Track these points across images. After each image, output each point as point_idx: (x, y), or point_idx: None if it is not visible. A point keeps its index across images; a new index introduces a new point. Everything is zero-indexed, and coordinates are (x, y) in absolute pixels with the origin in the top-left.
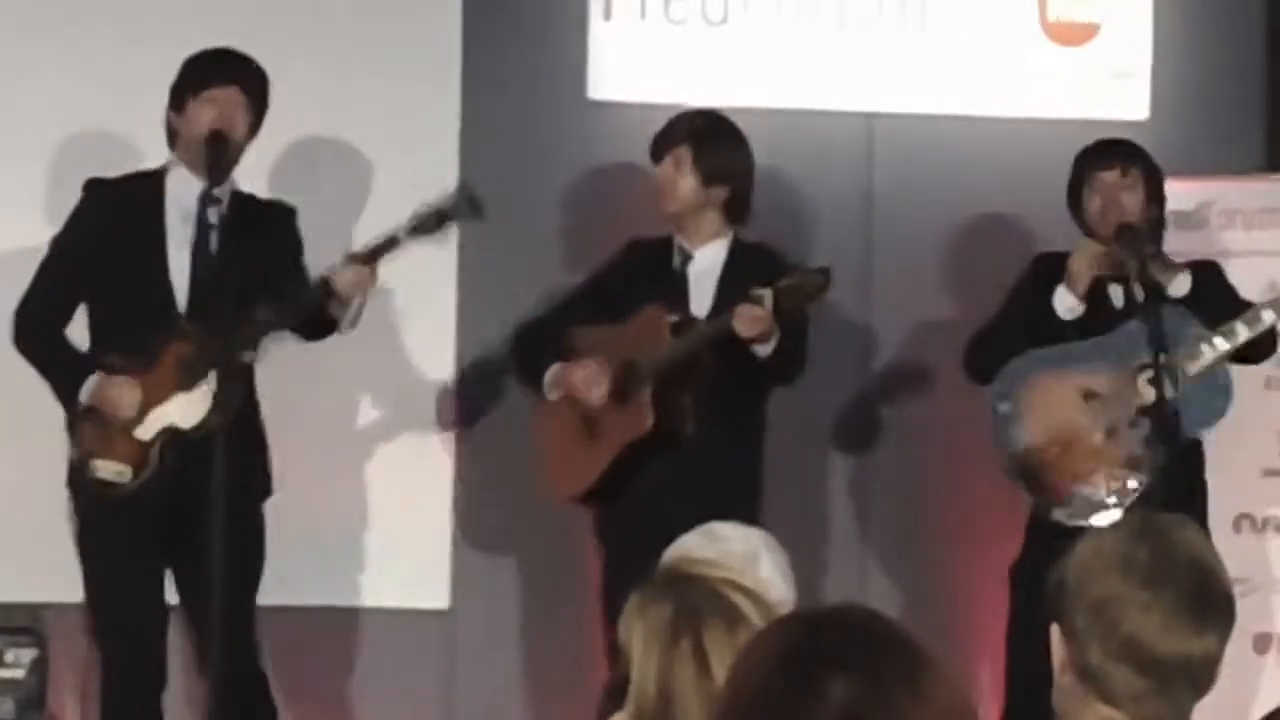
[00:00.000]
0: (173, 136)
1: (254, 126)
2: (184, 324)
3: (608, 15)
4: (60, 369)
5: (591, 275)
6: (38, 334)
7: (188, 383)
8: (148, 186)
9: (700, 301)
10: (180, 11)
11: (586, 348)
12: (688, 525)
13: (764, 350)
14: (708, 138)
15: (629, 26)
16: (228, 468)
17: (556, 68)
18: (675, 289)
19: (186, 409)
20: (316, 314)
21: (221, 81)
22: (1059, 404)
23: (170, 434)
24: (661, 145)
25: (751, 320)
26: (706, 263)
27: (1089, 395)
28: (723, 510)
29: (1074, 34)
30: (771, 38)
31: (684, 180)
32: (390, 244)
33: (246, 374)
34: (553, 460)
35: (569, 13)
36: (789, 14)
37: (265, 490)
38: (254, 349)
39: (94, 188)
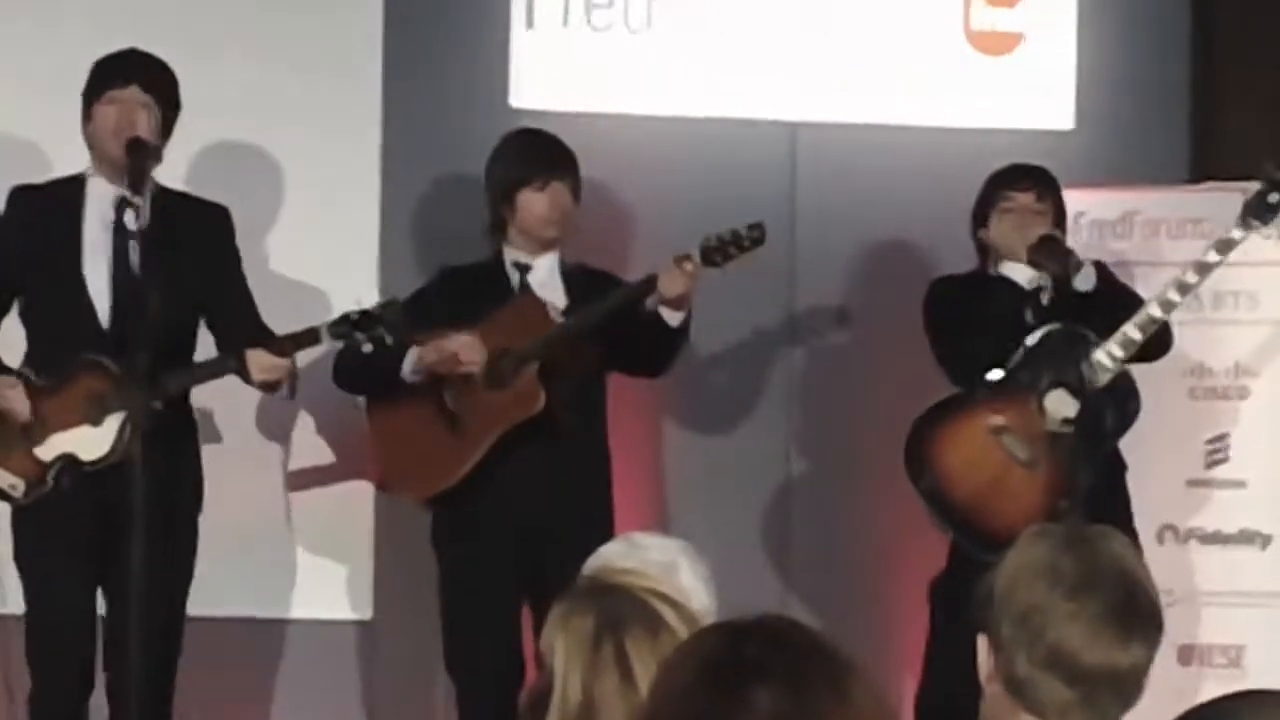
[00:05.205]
0: (90, 145)
1: (165, 124)
2: (103, 359)
3: (530, 23)
4: None
5: (410, 299)
6: None
7: (96, 418)
8: (68, 193)
9: (554, 302)
10: (98, 14)
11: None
12: (553, 523)
13: (676, 319)
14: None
15: (551, 35)
16: (163, 484)
17: (478, 76)
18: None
19: (90, 442)
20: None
21: (119, 83)
22: (972, 449)
23: (69, 461)
24: (550, 171)
25: (681, 279)
26: (545, 271)
27: (999, 430)
28: (586, 502)
29: (998, 43)
30: (694, 47)
31: (569, 203)
32: (308, 339)
33: (159, 415)
34: (405, 458)
35: (491, 21)
36: (712, 23)
37: (198, 503)
38: (164, 400)
39: (18, 195)
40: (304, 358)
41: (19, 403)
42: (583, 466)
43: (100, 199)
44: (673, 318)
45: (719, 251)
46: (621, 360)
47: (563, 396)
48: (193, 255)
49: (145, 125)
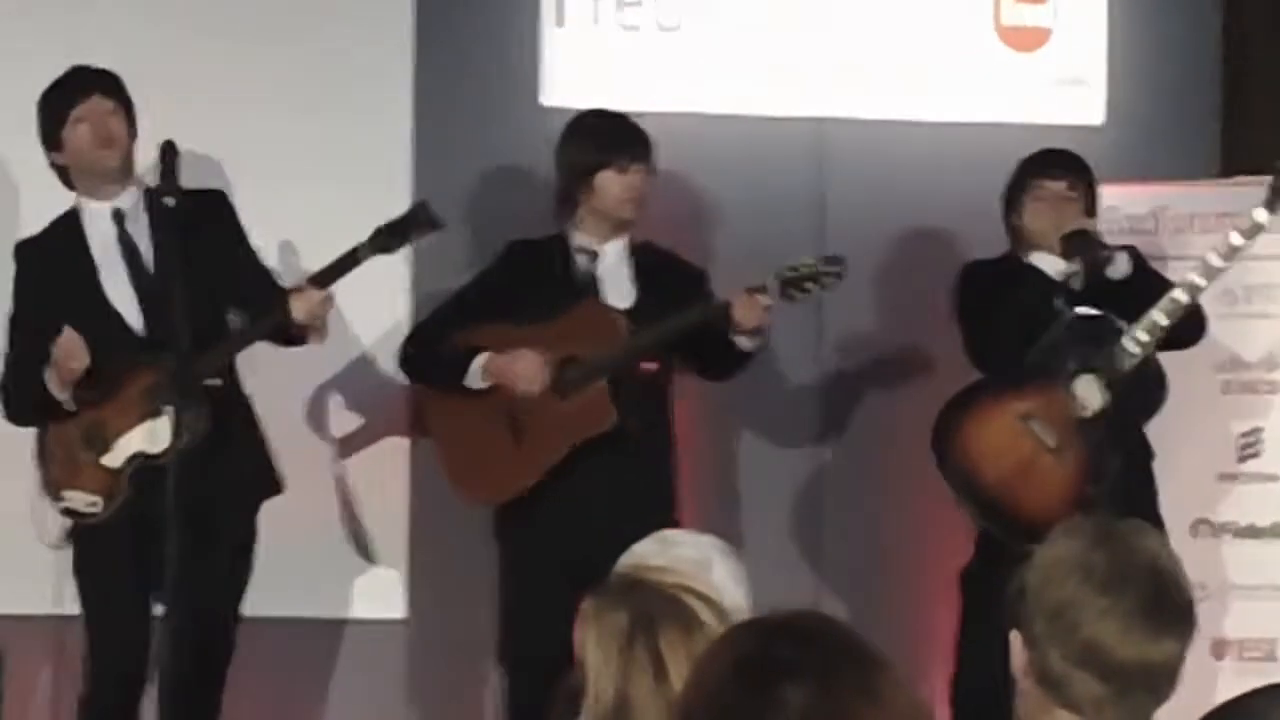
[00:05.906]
0: (65, 175)
1: (131, 126)
2: (142, 354)
3: (560, 21)
4: (41, 413)
5: (476, 279)
6: (21, 399)
7: (153, 410)
8: (67, 229)
9: (619, 298)
10: (129, 16)
11: (516, 344)
12: (619, 523)
13: (750, 344)
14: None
15: (582, 33)
16: (227, 473)
17: (509, 74)
18: (587, 287)
19: (153, 435)
20: (282, 327)
21: (80, 97)
22: (1000, 435)
23: (139, 459)
24: (633, 153)
25: (758, 310)
26: (613, 258)
27: (1027, 416)
28: (649, 507)
29: (1027, 39)
30: (724, 44)
31: (647, 186)
32: (348, 263)
33: (216, 392)
34: (471, 460)
35: (522, 19)
36: (741, 20)
37: (269, 489)
38: (214, 374)
39: (22, 249)
40: (345, 357)
41: (79, 354)
42: (648, 467)
43: (97, 219)
44: (746, 344)
45: (796, 285)
46: (688, 364)
47: (628, 402)
48: (202, 244)
49: (120, 128)
